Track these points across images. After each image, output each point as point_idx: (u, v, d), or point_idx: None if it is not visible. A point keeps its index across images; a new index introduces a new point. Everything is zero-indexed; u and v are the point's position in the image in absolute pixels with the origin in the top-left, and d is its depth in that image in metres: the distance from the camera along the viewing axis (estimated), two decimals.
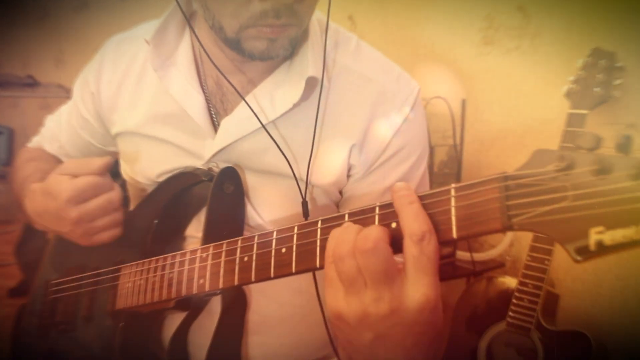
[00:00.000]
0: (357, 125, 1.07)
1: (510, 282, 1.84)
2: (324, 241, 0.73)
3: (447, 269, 2.17)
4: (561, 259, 1.97)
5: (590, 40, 1.80)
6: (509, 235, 2.16)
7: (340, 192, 1.14)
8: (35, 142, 1.44)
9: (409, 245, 0.64)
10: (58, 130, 1.39)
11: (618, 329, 1.88)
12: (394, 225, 0.68)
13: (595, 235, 0.52)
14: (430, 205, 0.66)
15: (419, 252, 0.64)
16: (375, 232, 0.65)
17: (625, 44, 1.74)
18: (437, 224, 0.65)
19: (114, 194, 1.06)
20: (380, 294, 0.65)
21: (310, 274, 0.99)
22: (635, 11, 1.75)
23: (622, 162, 0.52)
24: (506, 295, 1.77)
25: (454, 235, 0.64)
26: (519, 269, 1.74)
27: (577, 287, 1.99)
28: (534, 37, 2.04)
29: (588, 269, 1.96)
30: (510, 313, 1.72)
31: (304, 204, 1.03)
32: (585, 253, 0.53)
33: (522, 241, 2.14)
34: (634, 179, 0.50)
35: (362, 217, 0.71)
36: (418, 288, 0.64)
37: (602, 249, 0.51)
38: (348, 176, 1.11)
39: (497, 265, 2.20)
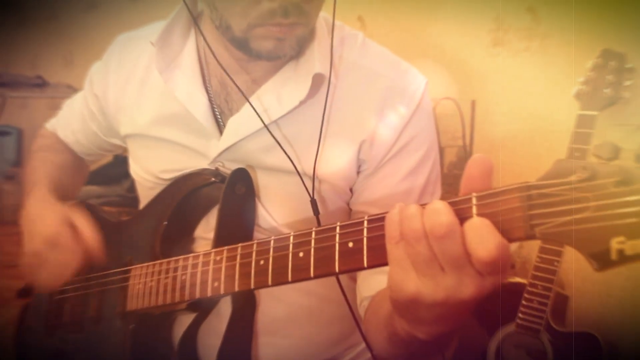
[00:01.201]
0: (367, 120, 1.07)
1: (520, 283, 1.84)
2: (342, 245, 0.73)
3: None
4: (571, 261, 1.97)
5: (600, 41, 1.80)
6: None
7: (351, 190, 1.14)
8: (51, 124, 1.46)
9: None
10: (70, 117, 1.41)
11: (628, 330, 1.88)
12: None
13: (616, 245, 0.52)
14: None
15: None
16: (446, 215, 0.62)
17: (635, 45, 1.73)
18: None
19: (71, 266, 1.10)
20: (461, 279, 0.63)
21: None
22: None
23: None
24: (516, 297, 1.77)
25: None
26: (529, 270, 1.74)
27: (587, 289, 1.99)
28: (543, 38, 2.04)
29: None
30: (520, 314, 1.72)
31: (313, 202, 1.03)
32: (606, 262, 0.53)
33: (531, 242, 2.13)
34: None
35: (382, 224, 0.69)
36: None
37: (623, 259, 0.52)
38: (358, 172, 1.11)
39: None
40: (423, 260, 0.64)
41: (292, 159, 1.04)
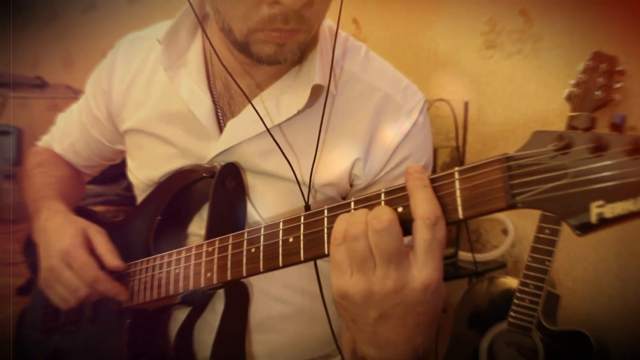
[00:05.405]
0: (362, 134, 1.08)
1: (512, 282, 1.86)
2: (331, 229, 0.75)
3: (449, 269, 2.19)
4: (562, 260, 1.99)
5: (591, 43, 1.82)
6: (511, 236, 2.18)
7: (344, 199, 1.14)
8: (44, 141, 1.46)
9: (421, 228, 0.67)
10: (69, 128, 1.41)
11: (618, 329, 1.89)
12: (400, 209, 0.71)
13: (596, 209, 0.55)
14: (435, 188, 0.68)
15: (431, 236, 0.67)
16: (387, 212, 0.67)
17: (626, 48, 1.75)
18: (444, 206, 0.68)
19: (82, 291, 1.09)
20: (388, 272, 0.68)
21: (313, 274, 1.01)
22: (637, 15, 1.76)
23: (617, 140, 0.55)
24: (507, 296, 1.79)
25: (460, 215, 0.67)
26: (520, 269, 1.75)
27: (578, 288, 2.00)
28: (535, 41, 2.05)
29: (588, 269, 1.97)
30: (512, 313, 1.73)
31: (307, 208, 1.04)
32: (587, 227, 0.56)
33: (523, 242, 2.16)
34: (629, 155, 0.53)
35: (367, 204, 0.74)
36: (424, 270, 0.68)
37: (603, 222, 0.54)
38: (351, 185, 1.12)
39: (499, 266, 2.22)
40: (359, 258, 0.69)
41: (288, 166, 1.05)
